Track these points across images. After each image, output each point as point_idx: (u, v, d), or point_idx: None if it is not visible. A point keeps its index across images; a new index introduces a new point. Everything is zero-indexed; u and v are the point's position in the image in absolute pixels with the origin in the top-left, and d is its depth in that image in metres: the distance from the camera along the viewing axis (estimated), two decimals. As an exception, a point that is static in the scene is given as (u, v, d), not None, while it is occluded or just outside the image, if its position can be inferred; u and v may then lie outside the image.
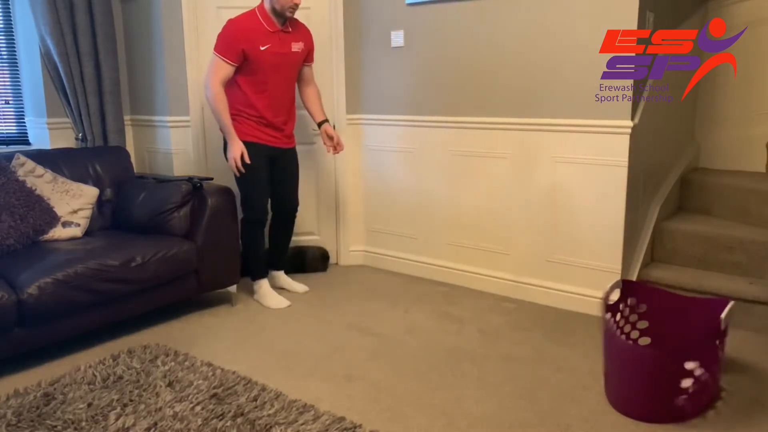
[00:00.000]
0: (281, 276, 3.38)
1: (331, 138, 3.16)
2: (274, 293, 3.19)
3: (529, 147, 3.08)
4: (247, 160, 2.92)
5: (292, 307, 3.15)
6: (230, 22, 2.89)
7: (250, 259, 3.20)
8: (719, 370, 2.21)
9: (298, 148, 3.73)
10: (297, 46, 3.01)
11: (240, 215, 3.15)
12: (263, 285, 3.20)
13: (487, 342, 2.70)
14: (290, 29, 2.99)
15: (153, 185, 3.17)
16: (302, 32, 3.07)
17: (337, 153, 3.23)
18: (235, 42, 2.85)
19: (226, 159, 3.00)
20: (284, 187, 3.18)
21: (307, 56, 3.11)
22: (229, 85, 2.93)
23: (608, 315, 2.31)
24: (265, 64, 2.91)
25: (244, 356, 2.58)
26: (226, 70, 2.88)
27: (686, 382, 2.03)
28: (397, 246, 3.70)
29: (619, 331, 2.39)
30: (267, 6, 2.92)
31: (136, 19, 3.68)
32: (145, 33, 3.63)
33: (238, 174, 2.96)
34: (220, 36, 2.90)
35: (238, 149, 2.92)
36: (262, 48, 2.88)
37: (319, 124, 3.19)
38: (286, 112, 3.08)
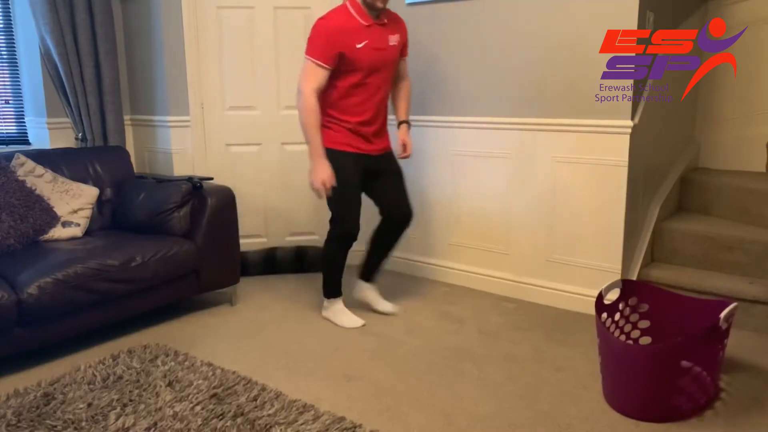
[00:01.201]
0: (371, 291, 3.05)
1: (403, 145, 2.87)
2: (347, 311, 2.92)
3: (529, 147, 3.08)
4: (333, 183, 2.63)
5: (291, 307, 3.15)
6: (321, 21, 2.62)
7: (328, 276, 2.93)
8: (719, 370, 2.22)
9: (295, 148, 3.75)
10: (394, 39, 2.72)
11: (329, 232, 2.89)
12: (337, 302, 2.94)
13: (487, 342, 2.70)
14: (385, 21, 2.70)
15: (153, 185, 3.17)
16: (398, 23, 2.78)
17: (402, 158, 2.91)
18: (329, 43, 2.56)
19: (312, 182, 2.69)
20: (392, 194, 2.87)
21: (403, 49, 2.83)
22: (329, 89, 2.66)
23: (605, 315, 2.31)
24: (364, 63, 2.63)
25: (244, 356, 2.58)
26: (321, 75, 2.58)
27: (683, 381, 2.04)
28: (398, 246, 3.69)
29: (618, 331, 2.39)
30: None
31: (136, 19, 3.68)
32: (145, 33, 3.63)
33: (319, 197, 2.70)
34: (311, 38, 2.61)
35: (324, 173, 2.61)
36: (358, 46, 2.59)
37: (399, 124, 2.90)
38: (383, 115, 2.81)
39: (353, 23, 2.61)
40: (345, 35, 2.58)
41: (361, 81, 2.65)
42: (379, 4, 2.60)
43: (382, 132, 2.82)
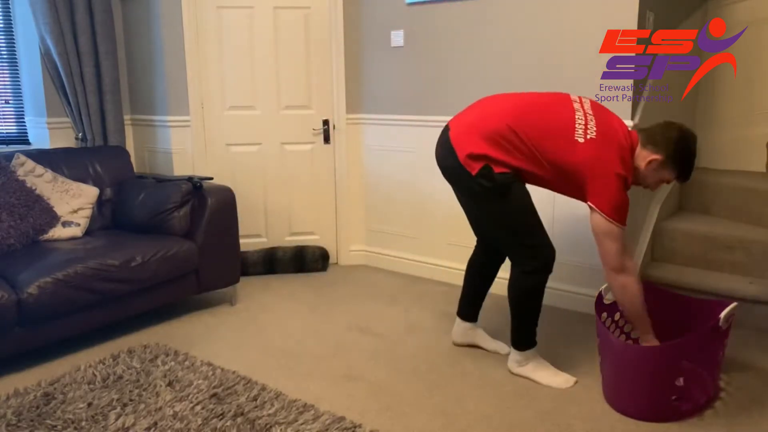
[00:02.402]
0: (481, 332, 2.65)
1: None
2: (551, 366, 2.37)
3: (529, 147, 3.07)
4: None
5: (291, 307, 3.15)
6: (622, 173, 2.13)
7: (528, 320, 2.35)
8: (719, 370, 2.22)
9: (297, 148, 3.75)
10: None
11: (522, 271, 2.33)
12: (536, 358, 2.39)
13: (487, 342, 2.69)
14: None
15: (153, 185, 3.17)
16: None
17: None
18: (627, 197, 2.16)
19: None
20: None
21: None
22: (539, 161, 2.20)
23: (605, 314, 2.31)
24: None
25: (244, 356, 2.58)
26: (624, 236, 2.15)
27: (683, 381, 2.04)
28: (397, 246, 3.70)
29: (618, 331, 2.39)
30: (630, 160, 2.18)
31: (136, 18, 3.68)
32: (145, 33, 3.63)
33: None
34: (614, 193, 2.11)
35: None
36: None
37: None
38: None
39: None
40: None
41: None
42: (646, 185, 2.27)
43: None
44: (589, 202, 2.16)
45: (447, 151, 2.29)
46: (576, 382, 2.31)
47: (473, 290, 2.62)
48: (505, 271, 3.28)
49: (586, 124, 2.18)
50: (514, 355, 2.39)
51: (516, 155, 2.19)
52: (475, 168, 2.20)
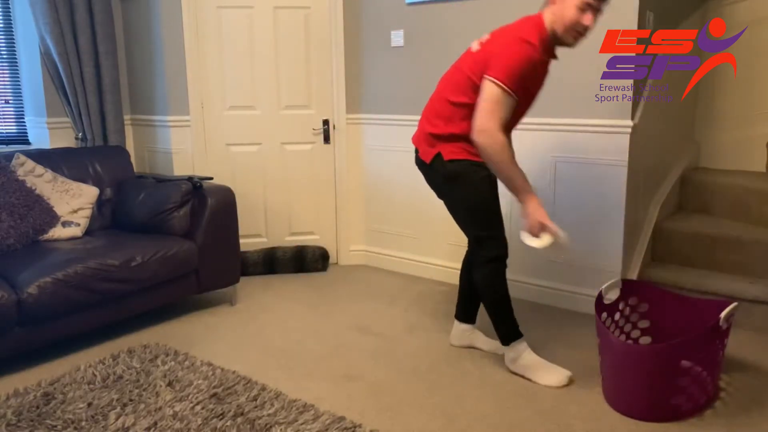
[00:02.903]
0: (478, 334, 2.64)
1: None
2: (548, 363, 2.36)
3: (529, 146, 3.07)
4: (557, 232, 2.17)
5: (291, 307, 3.15)
6: (528, 45, 2.12)
7: (502, 310, 2.37)
8: (719, 370, 2.22)
9: (295, 148, 3.75)
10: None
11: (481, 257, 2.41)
12: (527, 350, 2.39)
13: (487, 342, 2.70)
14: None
15: (153, 185, 3.17)
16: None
17: None
18: (526, 71, 2.12)
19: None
20: None
21: None
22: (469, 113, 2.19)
23: (605, 314, 2.31)
24: (531, 95, 2.28)
25: (244, 356, 2.58)
26: (511, 107, 2.13)
27: (683, 381, 2.04)
28: (398, 246, 3.70)
29: (618, 331, 2.39)
30: (547, 26, 2.18)
31: (136, 18, 3.68)
32: (145, 33, 3.63)
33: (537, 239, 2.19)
34: (506, 57, 2.11)
35: (540, 210, 2.17)
36: (535, 84, 2.24)
37: None
38: None
39: (541, 59, 2.20)
40: (537, 68, 2.19)
41: (517, 111, 2.24)
42: (570, 42, 2.21)
43: None
44: (484, 77, 2.13)
45: (415, 151, 2.46)
46: (570, 377, 2.31)
47: (466, 291, 2.63)
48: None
49: (480, 41, 2.31)
50: (506, 352, 2.41)
51: (456, 121, 2.25)
52: (429, 156, 2.33)
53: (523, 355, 2.37)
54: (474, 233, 2.39)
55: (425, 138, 2.37)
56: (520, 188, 2.18)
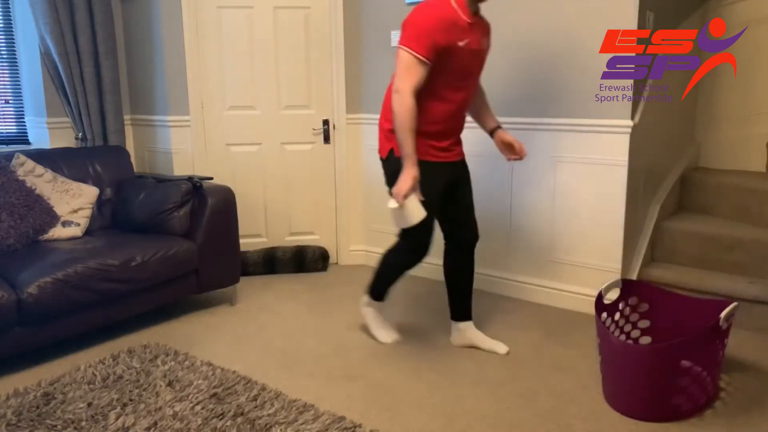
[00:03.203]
0: (471, 329, 2.65)
1: (509, 145, 2.52)
2: (385, 322, 2.73)
3: (529, 146, 3.06)
4: (419, 196, 2.26)
5: (291, 306, 3.15)
6: (423, 7, 2.24)
7: (381, 279, 2.67)
8: (719, 370, 2.22)
9: (295, 148, 3.74)
10: (485, 41, 2.42)
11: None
12: (377, 306, 2.73)
13: (487, 342, 2.70)
14: (481, 19, 2.39)
15: (153, 185, 3.17)
16: (487, 26, 2.46)
17: (518, 161, 2.57)
18: (432, 32, 2.17)
19: (388, 185, 2.39)
20: (461, 211, 2.57)
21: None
22: (421, 94, 2.25)
23: (605, 314, 2.31)
24: (463, 66, 2.30)
25: (244, 356, 2.58)
26: (421, 71, 2.19)
27: (683, 381, 2.04)
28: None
29: (618, 331, 2.39)
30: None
31: (136, 18, 3.68)
32: (145, 33, 3.63)
33: (397, 205, 2.26)
34: (411, 25, 2.22)
35: (411, 181, 2.22)
36: (460, 43, 2.23)
37: (492, 132, 2.57)
38: (463, 124, 2.51)
39: (457, 17, 2.23)
40: (452, 28, 2.21)
41: (457, 85, 2.32)
42: None
43: (459, 140, 2.53)
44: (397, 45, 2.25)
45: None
46: (396, 341, 2.66)
47: (452, 288, 2.66)
48: (488, 267, 3.28)
49: None
50: (364, 297, 2.75)
51: None
52: (384, 151, 2.44)
53: (373, 309, 2.74)
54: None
55: (381, 132, 2.46)
56: (406, 154, 2.26)
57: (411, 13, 2.27)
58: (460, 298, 2.64)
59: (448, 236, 2.62)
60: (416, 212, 2.25)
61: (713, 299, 2.42)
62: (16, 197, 2.84)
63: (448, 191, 2.46)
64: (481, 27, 2.38)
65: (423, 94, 2.25)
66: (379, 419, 2.08)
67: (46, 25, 3.28)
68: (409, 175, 2.23)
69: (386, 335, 2.72)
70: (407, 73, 2.20)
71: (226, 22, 3.53)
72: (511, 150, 2.53)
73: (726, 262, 3.00)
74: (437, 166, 2.37)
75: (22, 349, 2.45)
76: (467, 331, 2.64)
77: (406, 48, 2.20)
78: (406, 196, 2.22)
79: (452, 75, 2.28)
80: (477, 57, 2.37)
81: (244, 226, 3.45)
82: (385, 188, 3.62)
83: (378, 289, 2.71)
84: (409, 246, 2.50)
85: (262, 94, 3.64)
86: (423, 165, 2.28)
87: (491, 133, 2.57)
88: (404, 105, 2.20)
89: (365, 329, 2.78)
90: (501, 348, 2.57)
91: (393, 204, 2.27)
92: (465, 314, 2.65)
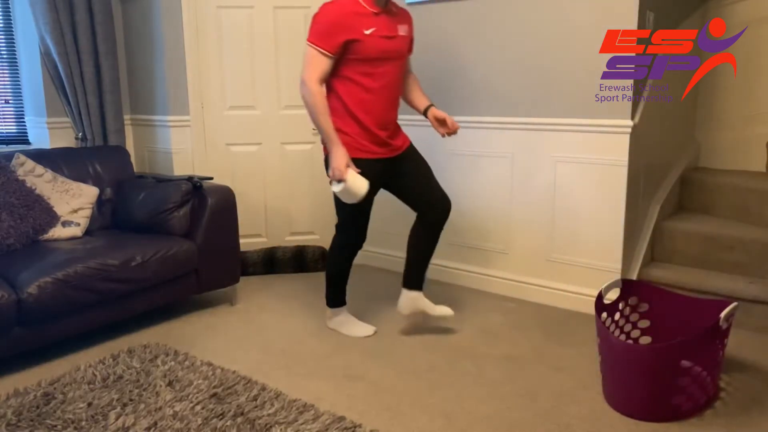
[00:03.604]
0: (422, 298, 2.76)
1: (442, 121, 2.62)
2: (356, 320, 2.82)
3: (529, 146, 3.08)
4: (354, 168, 2.43)
5: (291, 306, 3.15)
6: (325, 5, 2.47)
7: (332, 284, 2.81)
8: (719, 370, 2.22)
9: (295, 148, 3.74)
10: (403, 30, 2.56)
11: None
12: (342, 312, 2.84)
13: (487, 341, 2.70)
14: (394, 9, 2.55)
15: (153, 185, 3.17)
16: (405, 15, 2.63)
17: (453, 135, 2.67)
18: (332, 27, 2.40)
19: (327, 173, 2.52)
20: (424, 188, 2.69)
21: (410, 43, 2.67)
22: (338, 85, 2.49)
23: (605, 314, 2.31)
24: (374, 53, 2.44)
25: (244, 356, 2.58)
26: (324, 63, 2.41)
27: (683, 381, 2.04)
28: (397, 245, 3.69)
29: (618, 330, 2.39)
30: None
31: (136, 18, 3.68)
32: (145, 33, 3.63)
33: (338, 181, 2.45)
34: (314, 21, 2.46)
35: (342, 158, 2.40)
36: (366, 32, 2.40)
37: (425, 111, 2.68)
38: (396, 114, 2.64)
39: (360, 9, 2.43)
40: (352, 20, 2.40)
41: (373, 72, 2.46)
42: None
43: (397, 132, 2.65)
44: None
45: None
46: (375, 332, 2.75)
47: (411, 258, 2.77)
48: (488, 267, 3.28)
49: None
50: (327, 312, 2.85)
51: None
52: (325, 151, 2.58)
53: (339, 317, 2.82)
54: (338, 219, 2.70)
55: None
56: (326, 136, 2.47)
57: (318, 10, 2.48)
58: (417, 268, 2.76)
59: (416, 212, 2.74)
60: (360, 185, 2.41)
61: (713, 299, 2.42)
62: (16, 197, 2.84)
63: (390, 182, 2.66)
64: (395, 16, 2.54)
65: (342, 86, 2.48)
66: (379, 419, 2.08)
67: (46, 25, 3.28)
68: (337, 154, 2.42)
69: (363, 330, 2.78)
70: (311, 65, 2.43)
71: (226, 21, 3.53)
72: (443, 125, 2.64)
73: (726, 262, 3.00)
74: (368, 162, 2.51)
75: (22, 349, 2.45)
76: (418, 300, 2.75)
77: (309, 43, 2.44)
78: (343, 174, 2.40)
79: (365, 61, 2.45)
80: (390, 44, 2.50)
81: (244, 226, 3.45)
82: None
83: (335, 297, 2.82)
84: (345, 240, 2.71)
85: (262, 94, 3.64)
86: (355, 162, 2.46)
87: (425, 112, 2.69)
88: (311, 92, 2.42)
89: (338, 332, 2.82)
90: (447, 311, 2.73)
91: (336, 187, 2.43)
92: (418, 284, 2.76)
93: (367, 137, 2.51)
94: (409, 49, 2.68)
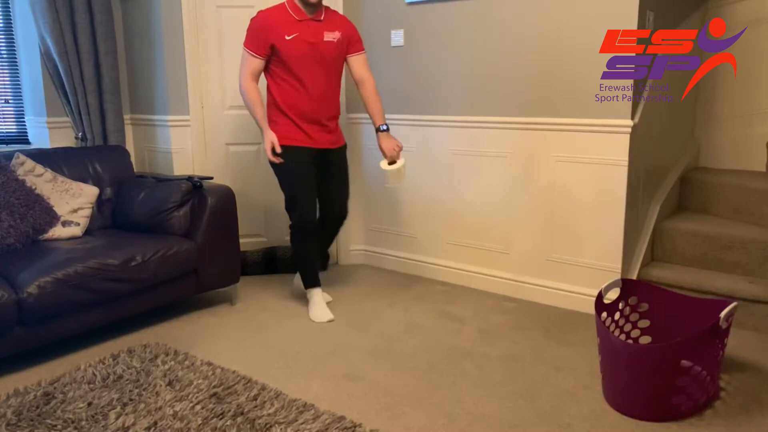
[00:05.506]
0: (298, 280, 3.20)
1: (384, 151, 2.87)
2: (323, 306, 3.01)
3: (529, 146, 3.08)
4: (278, 149, 2.77)
5: (291, 306, 3.15)
6: (258, 13, 2.82)
7: (300, 265, 3.09)
8: (719, 370, 2.22)
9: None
10: (331, 36, 2.83)
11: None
12: (316, 294, 3.04)
13: (487, 341, 2.70)
14: (322, 18, 2.83)
15: (153, 184, 3.17)
16: (337, 21, 2.91)
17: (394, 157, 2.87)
18: (260, 33, 2.77)
19: (277, 176, 2.91)
20: (330, 192, 3.01)
21: (350, 46, 2.91)
22: (271, 82, 2.87)
23: (605, 314, 2.31)
24: (295, 55, 2.77)
25: (244, 355, 2.58)
26: (254, 63, 2.81)
27: (683, 380, 2.04)
28: (397, 245, 3.70)
29: (618, 330, 2.39)
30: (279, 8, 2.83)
31: (136, 18, 3.68)
32: (145, 32, 3.63)
33: (275, 161, 2.81)
34: (248, 29, 2.83)
35: (268, 140, 2.79)
36: (287, 37, 2.75)
37: (376, 131, 2.91)
38: (328, 109, 2.89)
39: (286, 17, 2.78)
40: (275, 27, 2.75)
41: (297, 72, 2.79)
42: (312, 0, 2.76)
43: (329, 130, 2.92)
44: None
45: None
46: (331, 320, 2.92)
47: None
48: (488, 267, 3.28)
49: None
50: (306, 292, 3.08)
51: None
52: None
53: (312, 298, 3.03)
54: (286, 202, 2.95)
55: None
56: (257, 124, 2.87)
57: (252, 18, 2.83)
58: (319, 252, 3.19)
59: (320, 211, 3.04)
60: (401, 172, 2.85)
61: (713, 299, 2.42)
62: (16, 197, 2.84)
63: (318, 174, 2.92)
64: (323, 23, 2.83)
65: (274, 84, 2.84)
66: (379, 419, 2.08)
67: (46, 25, 3.28)
68: (266, 139, 2.81)
69: (321, 315, 2.97)
70: (243, 65, 2.83)
71: (226, 21, 3.53)
72: (385, 154, 2.88)
73: (726, 261, 3.00)
74: (298, 149, 2.83)
75: (22, 349, 2.45)
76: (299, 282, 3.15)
77: (243, 46, 2.84)
78: (274, 145, 2.78)
79: (290, 62, 2.78)
80: (316, 48, 2.80)
81: (244, 225, 3.45)
82: (385, 188, 3.68)
83: (308, 277, 3.05)
84: (297, 220, 2.92)
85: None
86: (285, 149, 2.80)
87: (376, 132, 2.92)
88: (243, 87, 2.83)
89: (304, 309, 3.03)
90: (327, 297, 3.11)
91: (395, 165, 2.84)
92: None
93: (295, 129, 2.83)
94: (353, 50, 2.92)
